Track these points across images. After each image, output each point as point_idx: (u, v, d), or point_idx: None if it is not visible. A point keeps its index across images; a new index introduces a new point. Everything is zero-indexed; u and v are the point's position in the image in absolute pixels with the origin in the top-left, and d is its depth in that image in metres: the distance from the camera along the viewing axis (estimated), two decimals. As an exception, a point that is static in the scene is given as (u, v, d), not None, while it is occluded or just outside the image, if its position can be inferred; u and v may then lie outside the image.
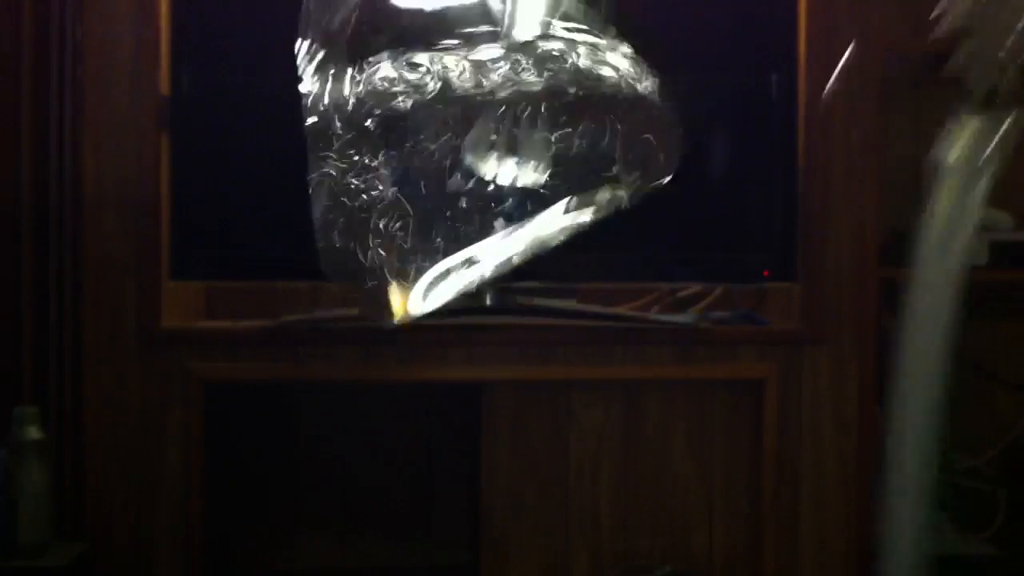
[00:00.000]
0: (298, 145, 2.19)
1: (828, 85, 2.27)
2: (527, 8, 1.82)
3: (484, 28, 1.81)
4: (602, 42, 1.84)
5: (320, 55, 1.82)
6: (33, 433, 1.97)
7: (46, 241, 2.14)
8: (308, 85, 1.80)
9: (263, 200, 2.19)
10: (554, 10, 1.83)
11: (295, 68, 2.18)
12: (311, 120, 1.78)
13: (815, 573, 2.30)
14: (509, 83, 1.75)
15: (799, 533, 2.29)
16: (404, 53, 1.78)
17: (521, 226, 1.80)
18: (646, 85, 1.86)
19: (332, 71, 1.80)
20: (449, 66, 1.75)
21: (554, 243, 1.82)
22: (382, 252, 1.74)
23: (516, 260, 1.81)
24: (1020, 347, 2.68)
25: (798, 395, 2.29)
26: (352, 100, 1.76)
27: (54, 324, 2.14)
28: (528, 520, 2.30)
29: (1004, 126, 1.55)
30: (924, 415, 1.55)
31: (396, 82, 1.75)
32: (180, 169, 2.18)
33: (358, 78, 1.78)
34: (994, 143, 1.55)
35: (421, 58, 1.77)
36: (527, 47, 1.78)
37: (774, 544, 2.29)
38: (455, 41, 1.79)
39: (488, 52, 1.77)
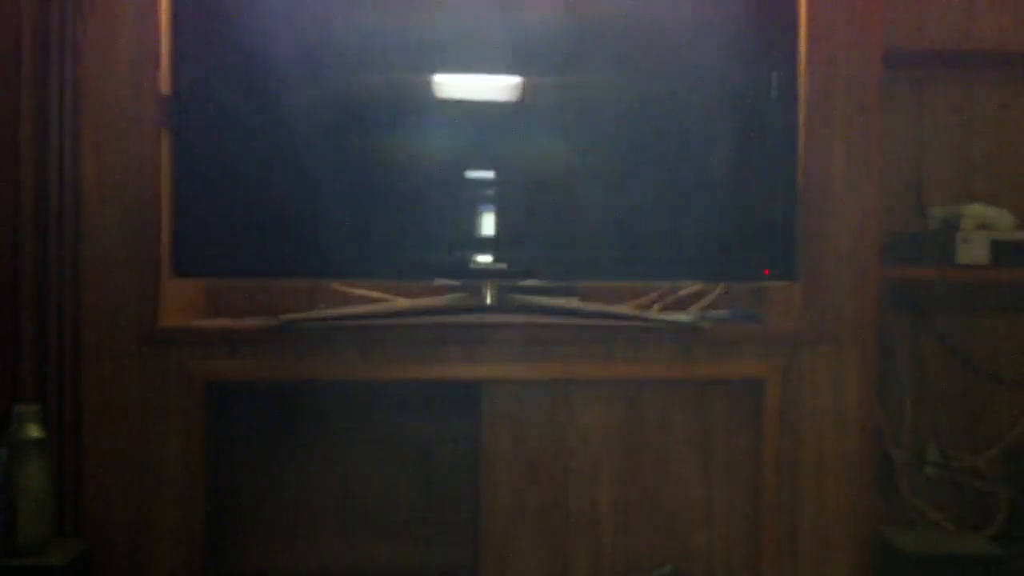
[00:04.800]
0: (298, 144, 2.20)
1: (828, 85, 2.27)
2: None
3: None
4: None
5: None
6: (33, 432, 1.97)
7: (46, 240, 2.14)
8: None
9: (263, 199, 2.19)
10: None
11: (295, 66, 2.19)
12: None
13: (815, 573, 2.29)
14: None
15: (799, 533, 2.29)
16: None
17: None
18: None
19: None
20: None
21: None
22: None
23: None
24: (1020, 347, 2.69)
25: (798, 395, 2.29)
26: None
27: (54, 323, 2.14)
28: (528, 520, 2.30)
29: None
30: None
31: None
32: (180, 168, 2.18)
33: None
34: None
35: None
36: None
37: (774, 544, 2.29)
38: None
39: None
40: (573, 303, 2.33)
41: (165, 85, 2.19)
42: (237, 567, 2.43)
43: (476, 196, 2.24)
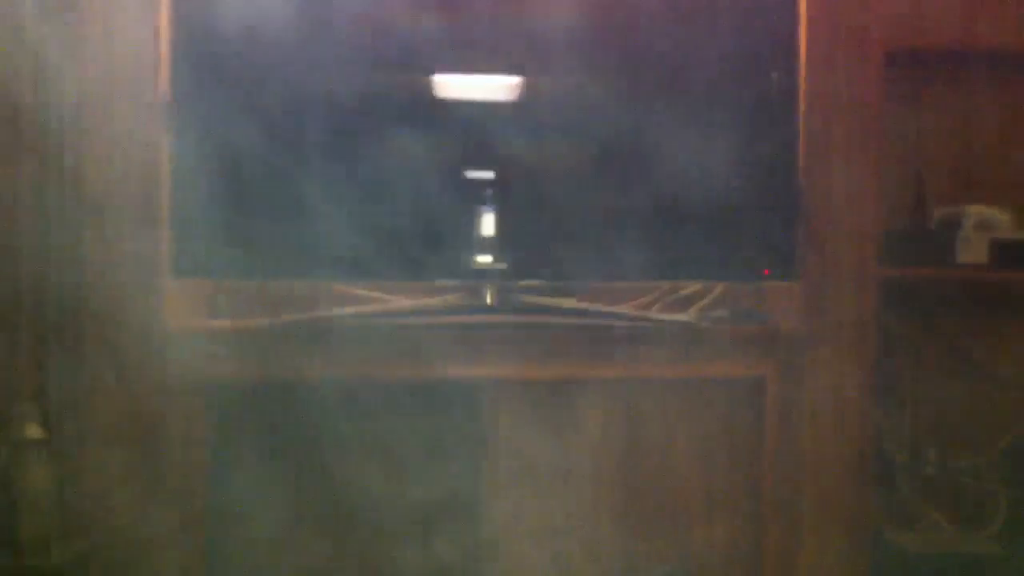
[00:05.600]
0: (298, 143, 2.20)
1: (828, 85, 2.27)
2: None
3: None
4: None
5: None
6: (33, 432, 1.97)
7: (46, 240, 2.14)
8: None
9: (263, 199, 2.19)
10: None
11: (295, 67, 2.19)
12: None
13: (815, 572, 2.30)
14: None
15: (800, 532, 2.29)
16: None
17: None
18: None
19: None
20: None
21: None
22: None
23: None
24: (1020, 347, 2.68)
25: (798, 395, 2.29)
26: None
27: (54, 323, 2.14)
28: (529, 520, 2.30)
29: None
30: None
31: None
32: (180, 168, 2.19)
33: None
34: None
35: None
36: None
37: (774, 543, 2.29)
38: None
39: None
40: (573, 303, 2.33)
41: (165, 85, 2.19)
42: (237, 567, 2.43)
43: (476, 196, 2.24)
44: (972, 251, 2.41)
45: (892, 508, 2.63)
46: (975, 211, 2.47)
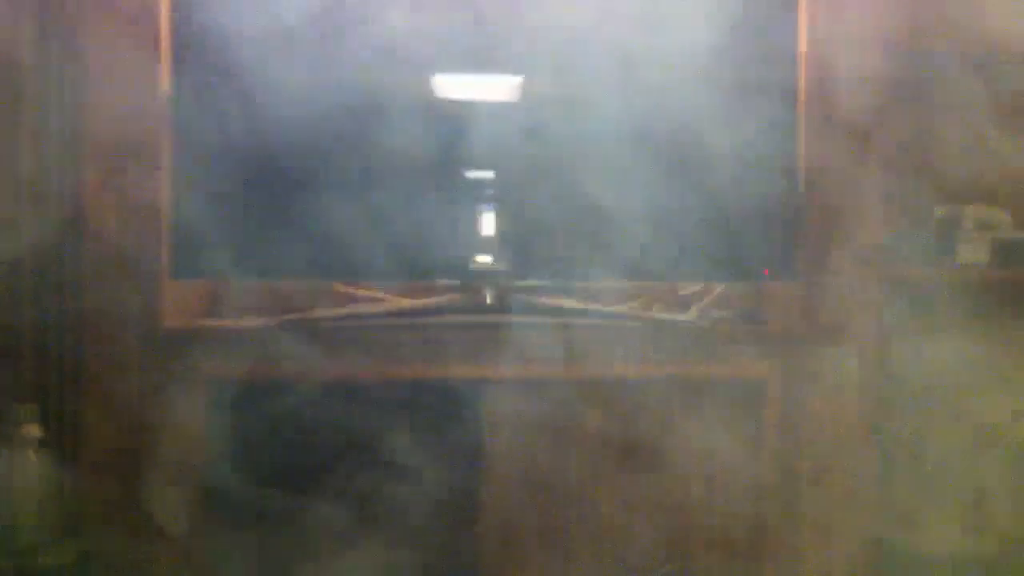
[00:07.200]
0: (299, 144, 2.21)
1: (828, 84, 2.27)
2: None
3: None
4: None
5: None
6: (33, 431, 1.97)
7: (46, 239, 2.14)
8: None
9: (264, 199, 2.19)
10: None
11: (294, 68, 2.20)
12: None
13: (816, 573, 2.29)
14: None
15: (800, 533, 2.29)
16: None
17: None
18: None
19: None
20: None
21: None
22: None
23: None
24: (1020, 347, 2.68)
25: (798, 395, 2.29)
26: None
27: (55, 323, 2.14)
28: (528, 520, 2.30)
29: None
30: None
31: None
32: (180, 168, 2.19)
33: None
34: None
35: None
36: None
37: (775, 544, 2.28)
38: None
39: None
40: (573, 303, 2.33)
41: (165, 85, 2.19)
42: (236, 568, 2.43)
43: (476, 196, 2.24)
44: (972, 251, 2.41)
45: (892, 508, 2.63)
46: (975, 211, 2.47)
